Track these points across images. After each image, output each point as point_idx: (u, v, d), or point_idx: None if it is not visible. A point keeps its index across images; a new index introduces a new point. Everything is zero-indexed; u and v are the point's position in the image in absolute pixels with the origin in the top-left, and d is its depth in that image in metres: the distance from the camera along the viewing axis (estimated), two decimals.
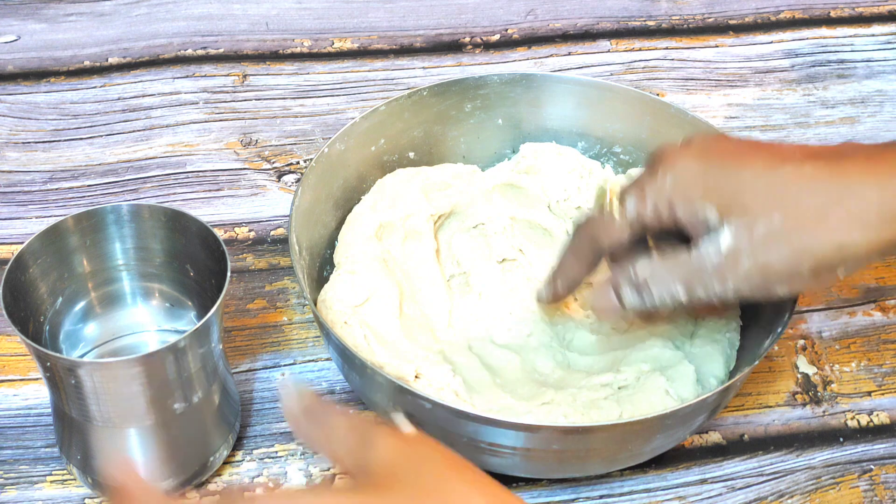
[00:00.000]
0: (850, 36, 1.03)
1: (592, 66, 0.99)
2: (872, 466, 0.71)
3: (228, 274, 0.61)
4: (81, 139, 0.90)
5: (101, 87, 0.95)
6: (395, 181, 0.78)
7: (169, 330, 0.69)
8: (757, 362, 0.65)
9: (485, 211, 0.78)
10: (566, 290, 0.71)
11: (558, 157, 0.80)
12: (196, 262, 0.66)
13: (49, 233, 0.63)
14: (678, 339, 0.71)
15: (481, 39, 1.01)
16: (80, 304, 0.67)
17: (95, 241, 0.66)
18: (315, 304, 0.70)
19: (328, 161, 0.75)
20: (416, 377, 0.67)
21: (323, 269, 0.75)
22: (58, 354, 0.59)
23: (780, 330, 0.66)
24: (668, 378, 0.67)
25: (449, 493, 0.49)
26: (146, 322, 0.70)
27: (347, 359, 0.65)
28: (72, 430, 0.64)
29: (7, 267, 0.60)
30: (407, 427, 0.52)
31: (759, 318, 0.71)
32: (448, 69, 0.98)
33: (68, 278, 0.66)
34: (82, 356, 0.67)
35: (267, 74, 0.97)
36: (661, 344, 0.70)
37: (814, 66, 1.00)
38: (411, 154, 0.81)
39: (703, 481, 0.70)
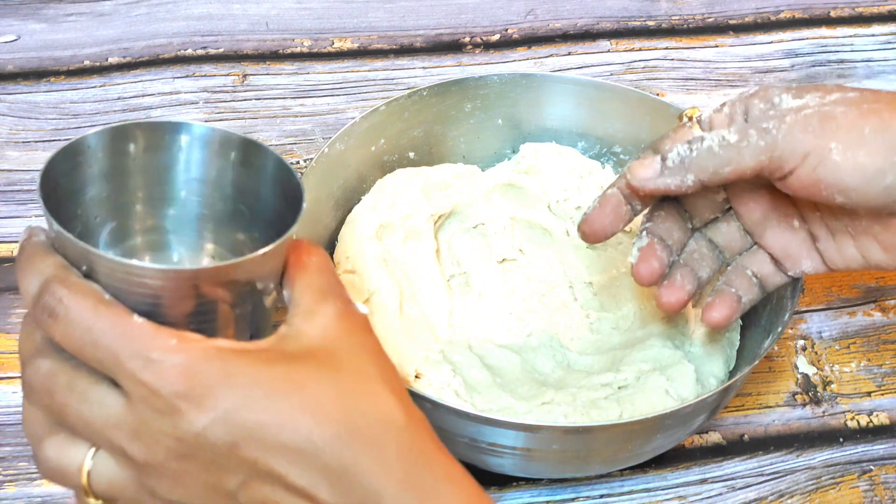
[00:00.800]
0: (850, 36, 1.03)
1: (592, 66, 0.99)
2: (872, 467, 0.71)
3: (301, 212, 0.51)
4: None
5: (100, 86, 0.95)
6: (395, 181, 0.78)
7: None
8: (757, 362, 0.65)
9: (485, 211, 0.78)
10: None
11: (558, 157, 0.80)
12: (265, 201, 0.55)
13: (110, 134, 0.53)
14: (678, 338, 0.71)
15: (481, 39, 1.01)
16: (129, 240, 0.56)
17: (153, 163, 0.54)
18: None
19: (328, 161, 0.75)
20: (416, 377, 0.67)
21: None
22: (104, 253, 0.48)
23: (780, 329, 0.66)
24: (668, 378, 0.67)
25: (368, 396, 0.47)
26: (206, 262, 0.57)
27: None
28: None
29: (50, 159, 0.50)
30: (363, 308, 0.51)
31: (758, 317, 0.71)
32: (448, 69, 0.98)
33: (117, 200, 0.54)
34: None
35: (267, 74, 0.97)
36: (660, 343, 0.70)
37: (814, 66, 1.00)
38: (411, 154, 0.81)
39: (704, 481, 0.70)
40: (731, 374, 0.70)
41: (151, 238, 0.56)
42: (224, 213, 0.56)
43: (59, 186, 0.51)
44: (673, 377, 0.67)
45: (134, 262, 0.49)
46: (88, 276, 0.48)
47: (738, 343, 0.72)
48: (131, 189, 0.55)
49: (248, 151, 0.54)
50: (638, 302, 0.74)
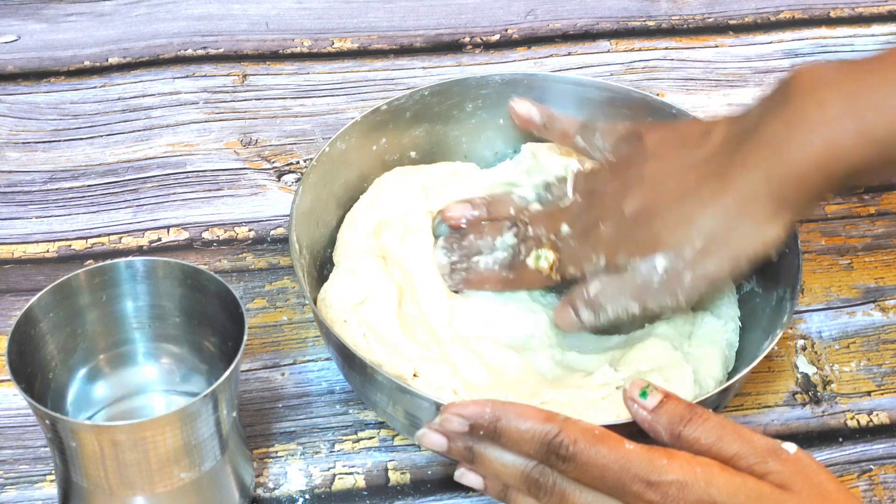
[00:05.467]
0: (850, 36, 1.03)
1: (592, 66, 0.99)
2: (872, 466, 0.71)
3: (245, 338, 0.59)
4: (81, 139, 0.90)
5: (101, 87, 0.95)
6: (393, 179, 0.78)
7: (182, 392, 0.67)
8: (754, 363, 0.65)
9: None
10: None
11: (559, 158, 0.80)
12: (213, 322, 0.63)
13: (60, 287, 0.61)
14: (676, 339, 0.71)
15: (481, 39, 1.01)
16: (91, 364, 0.65)
17: (109, 298, 0.64)
18: (315, 303, 0.70)
19: (329, 160, 0.75)
20: (414, 376, 0.67)
21: (324, 267, 0.75)
22: (59, 415, 0.57)
23: (778, 331, 0.66)
24: (666, 379, 0.67)
25: None
26: (158, 385, 0.67)
27: (347, 358, 0.65)
28: (75, 497, 0.61)
29: (16, 320, 0.59)
30: (791, 448, 0.55)
31: (758, 319, 0.71)
32: (448, 69, 0.98)
33: (80, 335, 0.64)
34: (90, 418, 0.65)
35: (267, 74, 0.97)
36: (659, 344, 0.70)
37: None
38: (413, 153, 0.81)
39: None
40: (730, 375, 0.70)
41: (121, 354, 0.66)
42: (179, 329, 0.65)
43: (27, 342, 0.60)
44: (671, 378, 0.67)
45: (100, 424, 0.62)
46: (73, 433, 0.57)
47: (737, 344, 0.72)
48: (93, 325, 0.64)
49: (193, 277, 0.63)
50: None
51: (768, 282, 0.72)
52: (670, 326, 0.71)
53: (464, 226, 0.76)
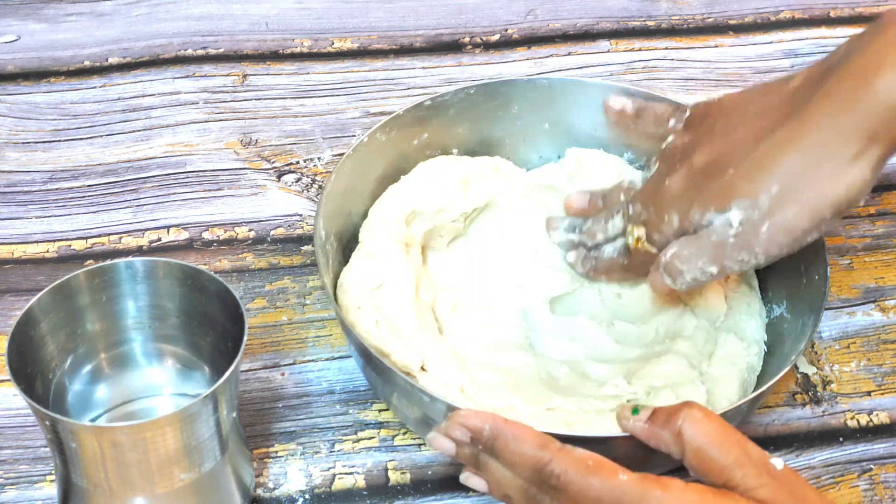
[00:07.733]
0: (850, 36, 1.03)
1: (592, 66, 0.99)
2: (872, 466, 0.71)
3: (245, 338, 0.59)
4: (81, 139, 0.90)
5: (101, 87, 0.95)
6: (435, 168, 0.78)
7: (182, 394, 0.67)
8: (763, 388, 0.64)
9: (521, 207, 0.78)
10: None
11: (604, 165, 0.79)
12: (213, 323, 0.63)
13: (60, 287, 0.61)
14: (695, 357, 0.70)
15: (481, 39, 1.01)
16: (91, 364, 0.65)
17: (109, 298, 0.63)
18: (335, 291, 0.70)
19: (367, 151, 0.75)
20: (421, 369, 0.66)
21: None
22: (59, 416, 0.57)
23: (793, 357, 0.65)
24: (678, 397, 0.66)
25: None
26: (158, 385, 0.67)
27: (356, 344, 0.65)
28: (75, 497, 0.61)
29: (16, 321, 0.59)
30: (779, 464, 0.54)
31: (783, 344, 0.70)
32: (448, 69, 0.98)
33: (80, 336, 0.64)
34: (91, 420, 0.65)
35: (267, 74, 0.97)
36: (676, 361, 0.69)
37: None
38: (455, 151, 0.81)
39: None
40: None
41: (121, 355, 0.66)
42: (179, 329, 0.65)
43: (27, 342, 0.60)
44: (683, 396, 0.66)
45: (98, 425, 0.62)
46: (73, 434, 0.57)
47: (759, 369, 0.70)
48: (93, 326, 0.64)
49: (193, 277, 0.62)
50: (664, 317, 0.73)
51: (797, 307, 0.71)
52: (691, 344, 0.70)
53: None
